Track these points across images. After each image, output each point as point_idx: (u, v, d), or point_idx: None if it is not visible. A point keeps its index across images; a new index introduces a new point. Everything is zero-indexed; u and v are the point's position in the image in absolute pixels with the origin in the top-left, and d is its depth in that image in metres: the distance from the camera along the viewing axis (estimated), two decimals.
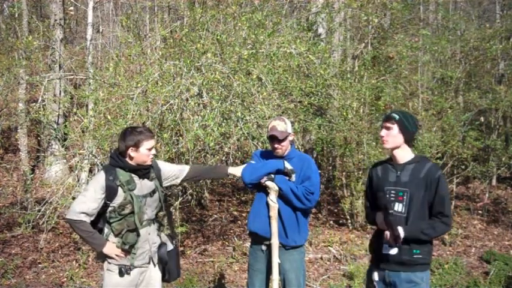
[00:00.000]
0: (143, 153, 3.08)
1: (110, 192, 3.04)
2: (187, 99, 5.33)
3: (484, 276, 5.95)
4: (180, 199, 6.15)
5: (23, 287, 5.41)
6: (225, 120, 5.34)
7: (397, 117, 2.92)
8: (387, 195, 2.93)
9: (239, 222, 7.91)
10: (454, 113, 8.26)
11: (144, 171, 3.15)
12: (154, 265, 3.26)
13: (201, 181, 6.52)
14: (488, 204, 9.13)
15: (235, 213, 8.32)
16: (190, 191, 6.22)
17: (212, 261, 6.21)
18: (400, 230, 2.78)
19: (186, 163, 5.93)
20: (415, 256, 2.84)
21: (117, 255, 3.10)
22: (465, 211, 8.71)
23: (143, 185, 3.15)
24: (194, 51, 5.39)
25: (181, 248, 6.45)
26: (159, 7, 10.44)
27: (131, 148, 3.07)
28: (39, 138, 10.26)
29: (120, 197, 3.05)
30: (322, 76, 6.20)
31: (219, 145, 5.58)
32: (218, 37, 5.55)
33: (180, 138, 5.64)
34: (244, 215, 8.23)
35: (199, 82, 5.18)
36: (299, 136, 7.75)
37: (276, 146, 3.37)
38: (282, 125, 3.35)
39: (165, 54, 5.93)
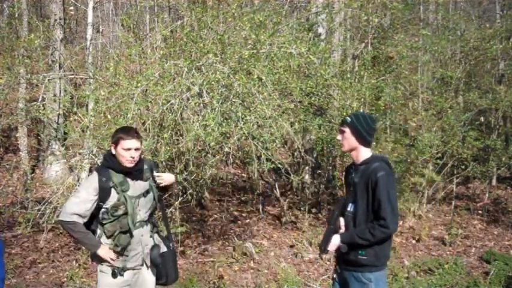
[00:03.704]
0: (119, 152, 3.04)
1: (103, 194, 3.01)
2: (187, 99, 5.33)
3: (484, 276, 5.95)
4: (180, 199, 6.15)
5: (23, 287, 5.40)
6: (225, 120, 5.33)
7: (348, 120, 3.00)
8: (348, 196, 3.05)
9: (239, 222, 7.91)
10: (454, 113, 8.26)
11: (135, 173, 3.10)
12: (148, 267, 3.21)
13: (200, 181, 6.52)
14: (488, 204, 9.13)
15: (235, 213, 8.32)
16: (191, 191, 6.21)
17: (212, 261, 6.20)
18: (335, 239, 2.94)
19: (186, 163, 5.95)
20: (359, 257, 2.90)
21: (111, 258, 3.06)
22: (465, 211, 8.71)
23: (137, 186, 3.12)
24: (195, 51, 5.40)
25: (181, 248, 6.45)
26: (159, 7, 10.43)
27: (113, 145, 3.08)
28: (39, 138, 10.23)
29: (113, 198, 3.02)
30: (322, 76, 6.21)
31: (219, 145, 5.57)
32: (220, 37, 5.55)
33: (181, 137, 5.64)
34: (244, 215, 8.24)
35: (200, 82, 5.18)
36: (299, 136, 7.76)
37: None
38: None
39: (166, 53, 5.92)
